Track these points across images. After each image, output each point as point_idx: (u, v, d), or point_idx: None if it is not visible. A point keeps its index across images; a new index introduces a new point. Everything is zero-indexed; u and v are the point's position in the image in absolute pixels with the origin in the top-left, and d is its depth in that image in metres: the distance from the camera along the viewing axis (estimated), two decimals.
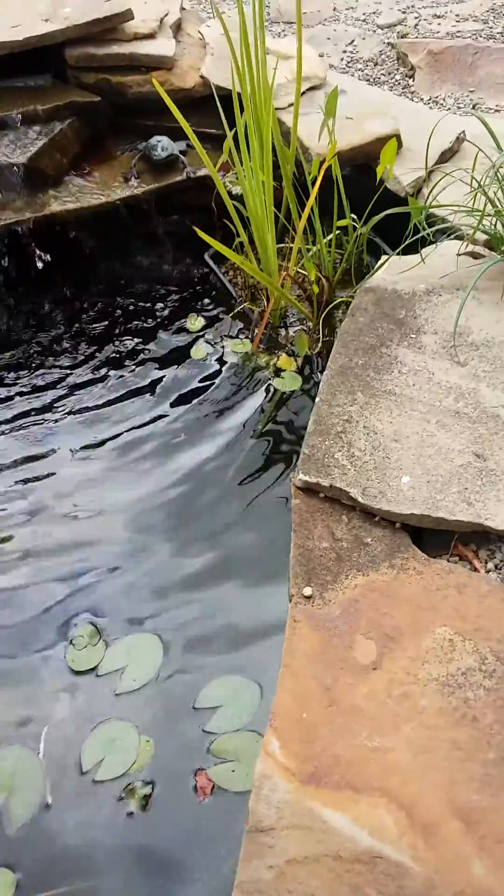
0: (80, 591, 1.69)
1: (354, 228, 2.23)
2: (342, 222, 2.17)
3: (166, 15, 2.64)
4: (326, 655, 1.28)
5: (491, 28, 3.38)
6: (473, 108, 2.87)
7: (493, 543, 1.47)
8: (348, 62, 3.24)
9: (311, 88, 2.51)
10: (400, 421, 1.62)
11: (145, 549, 1.77)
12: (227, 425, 2.03)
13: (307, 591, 1.38)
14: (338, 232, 2.17)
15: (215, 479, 1.91)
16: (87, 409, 2.13)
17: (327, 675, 1.25)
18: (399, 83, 3.09)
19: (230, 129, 2.05)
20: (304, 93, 2.48)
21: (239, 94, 1.99)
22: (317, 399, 1.70)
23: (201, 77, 2.46)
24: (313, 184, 1.96)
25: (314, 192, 1.95)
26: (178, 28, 2.73)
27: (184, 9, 2.88)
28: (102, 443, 2.03)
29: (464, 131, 2.40)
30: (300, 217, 2.10)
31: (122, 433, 2.06)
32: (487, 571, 1.43)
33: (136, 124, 2.50)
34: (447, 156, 2.37)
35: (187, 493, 1.89)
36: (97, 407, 2.14)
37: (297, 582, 1.40)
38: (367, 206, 2.17)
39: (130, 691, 1.51)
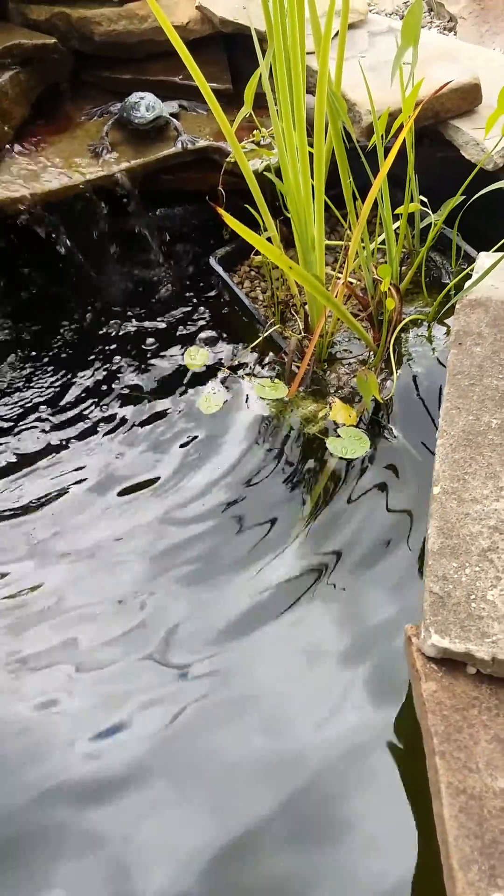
0: None
1: (422, 217, 1.58)
2: (412, 207, 1.51)
3: None
4: None
5: None
6: None
7: None
8: None
9: (349, 27, 1.84)
10: None
11: None
12: (259, 528, 1.32)
13: None
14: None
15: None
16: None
17: None
18: None
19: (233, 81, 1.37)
20: (336, 34, 1.81)
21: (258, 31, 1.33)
22: (435, 489, 1.03)
23: (198, 9, 1.76)
24: (386, 152, 1.29)
25: (388, 161, 1.28)
26: None
27: None
28: None
29: None
30: (355, 198, 1.43)
31: None
32: None
33: (105, 78, 1.81)
34: None
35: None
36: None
37: (468, 879, 0.72)
38: (434, 186, 1.53)
39: None
